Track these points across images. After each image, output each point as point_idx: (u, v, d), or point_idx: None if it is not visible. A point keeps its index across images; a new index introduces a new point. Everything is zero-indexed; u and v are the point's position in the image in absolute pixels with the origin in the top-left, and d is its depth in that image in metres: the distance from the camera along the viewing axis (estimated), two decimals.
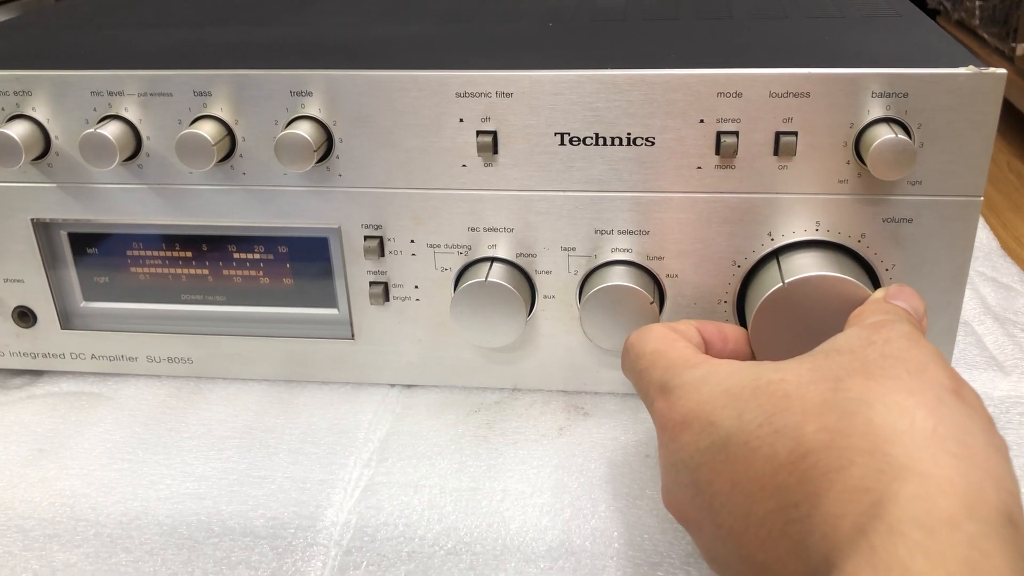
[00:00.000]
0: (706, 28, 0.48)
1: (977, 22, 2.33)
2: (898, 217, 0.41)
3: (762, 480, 0.27)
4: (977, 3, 2.26)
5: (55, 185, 0.46)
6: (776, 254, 0.43)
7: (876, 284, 0.43)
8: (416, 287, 0.46)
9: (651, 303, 0.42)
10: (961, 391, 0.28)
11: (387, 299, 0.47)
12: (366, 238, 0.45)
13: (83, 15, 0.58)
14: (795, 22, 0.48)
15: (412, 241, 0.45)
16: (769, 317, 0.41)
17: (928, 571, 0.22)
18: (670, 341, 0.35)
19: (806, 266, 0.41)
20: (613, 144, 0.42)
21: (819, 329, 0.41)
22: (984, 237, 0.64)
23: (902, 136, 0.38)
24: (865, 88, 0.39)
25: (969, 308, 0.54)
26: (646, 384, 0.34)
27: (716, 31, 0.47)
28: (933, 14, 2.81)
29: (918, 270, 0.42)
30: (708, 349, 0.38)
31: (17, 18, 0.58)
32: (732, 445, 0.28)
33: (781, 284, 0.40)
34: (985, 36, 2.31)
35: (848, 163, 0.40)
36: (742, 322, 0.44)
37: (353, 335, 0.48)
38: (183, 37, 0.51)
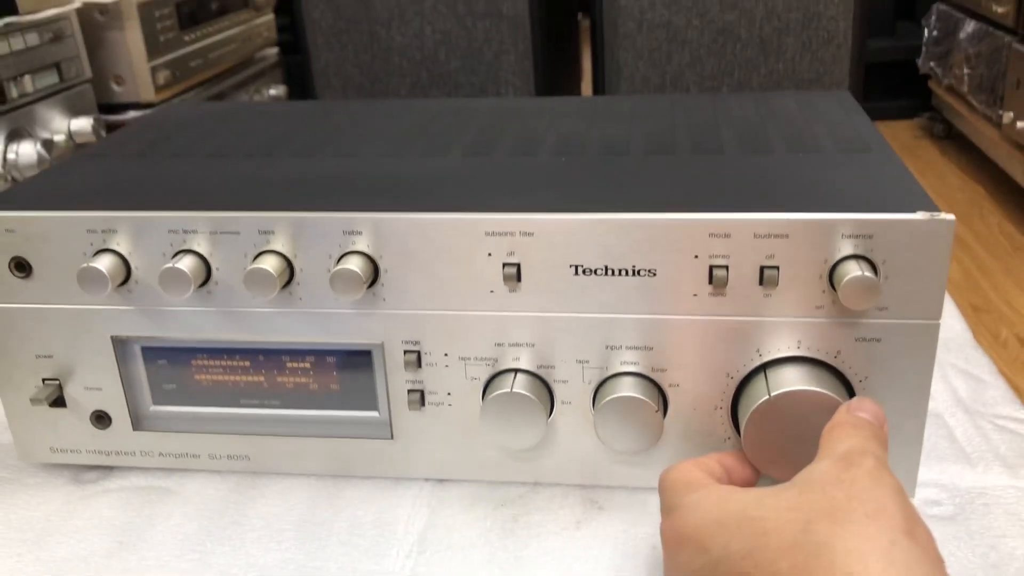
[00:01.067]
0: (700, 164, 0.55)
1: (966, 89, 2.42)
2: (868, 337, 0.48)
3: None
4: (965, 71, 2.35)
5: (133, 308, 0.52)
6: (764, 368, 0.49)
7: (851, 394, 0.49)
8: (448, 394, 0.53)
9: (656, 411, 0.49)
10: (914, 532, 0.34)
11: (423, 404, 0.53)
12: (405, 352, 0.52)
13: (148, 144, 0.65)
14: (778, 158, 0.55)
15: (446, 355, 0.52)
16: (758, 424, 0.47)
17: None
18: (686, 471, 0.42)
19: (790, 380, 0.47)
20: (620, 275, 0.48)
21: (802, 433, 0.47)
22: (958, 328, 0.71)
23: (868, 273, 0.45)
24: (836, 230, 0.46)
25: (941, 400, 0.61)
26: (662, 508, 0.41)
27: (709, 167, 0.54)
28: (924, 79, 2.89)
29: (887, 382, 0.48)
30: (731, 475, 0.45)
31: (94, 147, 0.66)
32: (721, 570, 0.34)
33: (768, 397, 0.47)
34: (974, 103, 2.39)
35: (824, 292, 0.47)
36: (736, 425, 0.50)
37: (392, 435, 0.54)
38: (241, 171, 0.58)
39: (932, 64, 2.64)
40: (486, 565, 0.48)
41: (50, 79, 1.23)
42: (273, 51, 1.92)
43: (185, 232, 0.50)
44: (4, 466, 0.59)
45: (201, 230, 0.50)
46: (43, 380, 0.55)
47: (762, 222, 0.46)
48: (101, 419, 0.56)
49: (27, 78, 1.18)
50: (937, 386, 0.62)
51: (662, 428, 0.50)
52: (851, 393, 0.49)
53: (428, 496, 0.54)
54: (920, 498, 0.52)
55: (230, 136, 0.66)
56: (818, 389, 0.46)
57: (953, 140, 2.70)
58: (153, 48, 1.42)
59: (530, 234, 0.48)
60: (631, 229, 0.47)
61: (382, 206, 0.49)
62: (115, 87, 1.39)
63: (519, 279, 0.49)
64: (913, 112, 2.93)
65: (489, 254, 0.49)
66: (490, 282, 0.49)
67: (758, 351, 0.49)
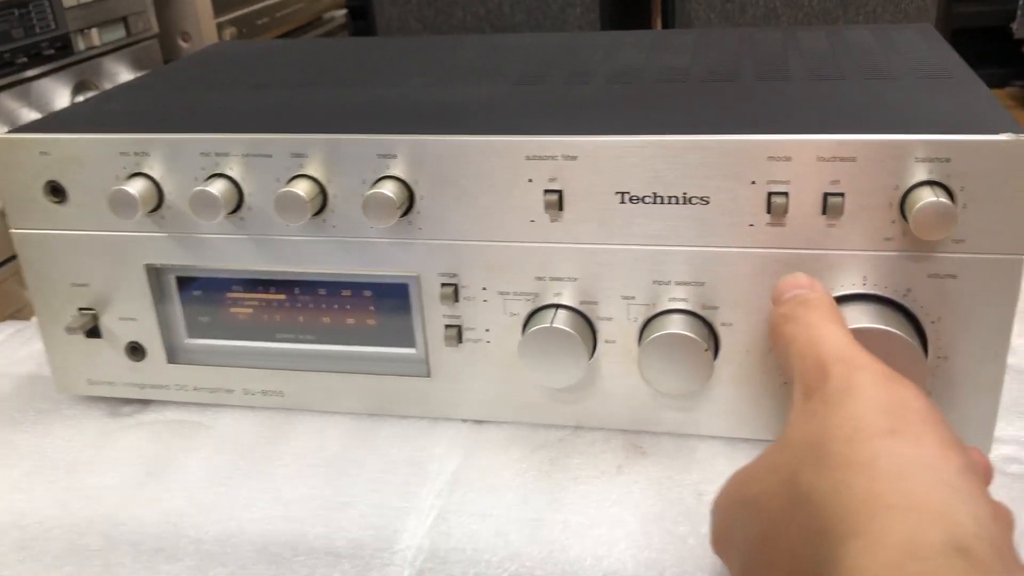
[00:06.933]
0: (764, 89, 0.51)
1: None
2: (943, 273, 0.43)
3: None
4: None
5: (166, 234, 0.51)
6: None
7: (922, 336, 0.45)
8: (487, 330, 0.50)
9: (705, 350, 0.45)
10: (899, 430, 0.30)
11: (460, 341, 0.50)
12: (442, 285, 0.49)
13: (192, 77, 0.64)
14: (850, 83, 0.51)
15: (484, 288, 0.49)
16: None
17: None
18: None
19: (854, 319, 0.43)
20: (670, 203, 0.45)
21: None
22: None
23: (944, 199, 0.40)
24: (908, 153, 0.41)
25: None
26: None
27: (773, 93, 0.50)
28: (1018, 45, 2.75)
29: (963, 324, 0.44)
30: None
31: (137, 79, 0.65)
32: (752, 551, 0.33)
33: None
34: None
35: (893, 222, 0.43)
36: None
37: (429, 373, 0.52)
38: (281, 99, 0.56)
39: None
40: (519, 506, 0.45)
41: (117, 33, 1.24)
42: (340, 12, 1.91)
43: (217, 155, 0.49)
44: (44, 398, 0.58)
45: (233, 152, 0.48)
46: (79, 309, 0.54)
47: (826, 143, 0.42)
48: (136, 351, 0.55)
49: (94, 31, 1.18)
50: (1019, 329, 0.57)
51: (712, 369, 0.46)
52: (922, 336, 0.45)
53: (465, 437, 0.51)
54: (997, 455, 0.48)
55: (276, 69, 0.65)
56: (887, 328, 0.42)
57: None
58: (220, 5, 1.42)
59: (573, 158, 0.45)
60: (682, 152, 0.44)
61: (418, 129, 0.47)
62: (181, 43, 1.39)
63: (561, 207, 0.46)
64: (1004, 81, 2.78)
65: (530, 180, 0.46)
66: (531, 210, 0.46)
67: None
